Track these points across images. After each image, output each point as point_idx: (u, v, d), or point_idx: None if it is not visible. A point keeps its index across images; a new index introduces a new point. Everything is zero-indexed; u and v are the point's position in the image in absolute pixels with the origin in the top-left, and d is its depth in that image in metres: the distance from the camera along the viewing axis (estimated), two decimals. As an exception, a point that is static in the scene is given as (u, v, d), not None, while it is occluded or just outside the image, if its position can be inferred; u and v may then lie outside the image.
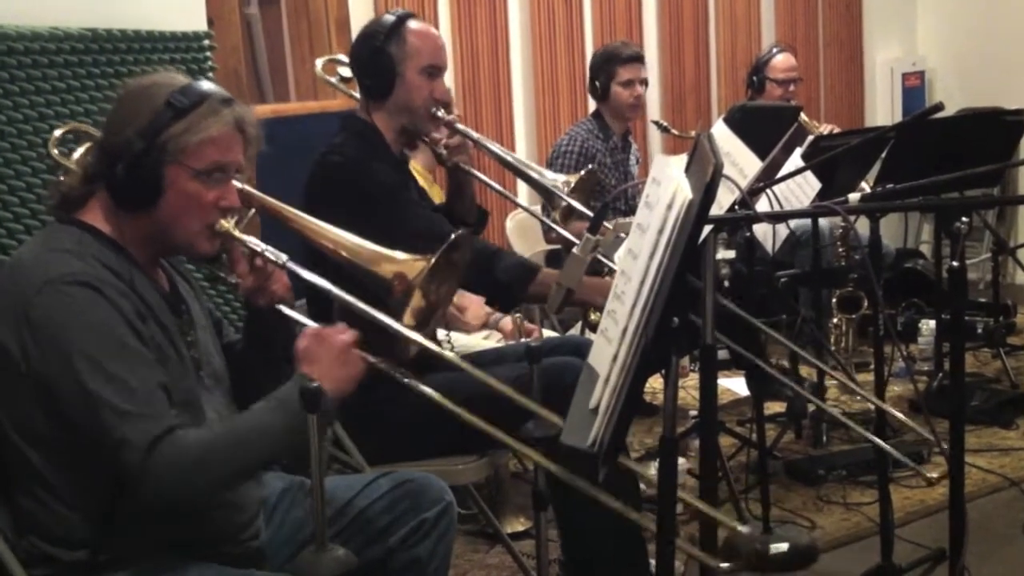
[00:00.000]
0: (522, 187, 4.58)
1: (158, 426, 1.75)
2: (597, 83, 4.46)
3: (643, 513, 2.87)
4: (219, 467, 1.79)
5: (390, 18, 2.79)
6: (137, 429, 1.73)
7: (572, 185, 2.97)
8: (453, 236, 2.11)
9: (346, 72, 3.12)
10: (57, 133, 2.31)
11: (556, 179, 3.00)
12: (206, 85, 1.93)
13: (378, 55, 2.76)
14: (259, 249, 1.96)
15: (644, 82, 4.51)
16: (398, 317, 2.00)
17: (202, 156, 1.86)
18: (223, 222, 1.91)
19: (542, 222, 3.06)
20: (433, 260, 2.05)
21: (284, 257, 1.97)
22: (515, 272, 2.80)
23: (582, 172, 3.06)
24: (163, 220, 1.88)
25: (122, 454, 1.72)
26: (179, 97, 1.85)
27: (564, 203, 2.91)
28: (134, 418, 1.73)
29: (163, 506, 1.76)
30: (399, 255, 2.11)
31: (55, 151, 2.26)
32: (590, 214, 2.86)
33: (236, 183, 1.95)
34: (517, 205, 3.35)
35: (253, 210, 2.08)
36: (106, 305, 1.77)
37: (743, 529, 1.77)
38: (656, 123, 4.68)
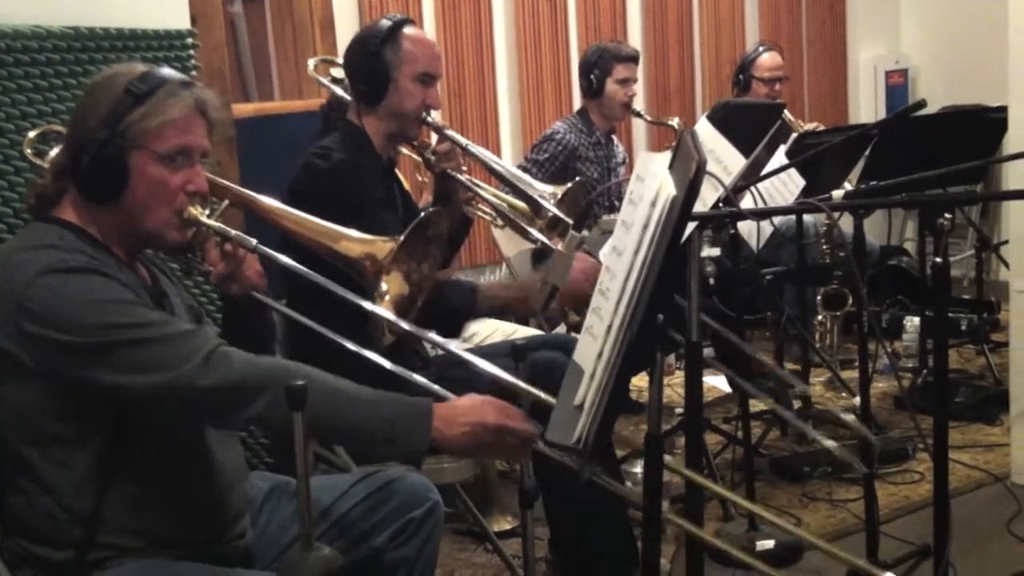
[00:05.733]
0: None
1: (212, 340, 1.79)
2: (592, 77, 4.44)
3: (630, 510, 2.89)
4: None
5: (386, 23, 2.78)
6: (196, 339, 1.77)
7: (559, 196, 2.96)
8: (422, 215, 2.11)
9: (338, 72, 3.11)
10: (31, 134, 2.30)
11: (544, 190, 2.99)
12: (165, 71, 1.92)
13: (372, 60, 2.75)
14: (229, 234, 1.97)
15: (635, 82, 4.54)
16: (371, 298, 2.01)
17: (164, 139, 1.86)
18: (191, 209, 1.91)
19: (526, 233, 3.04)
20: (402, 239, 2.06)
21: (253, 241, 1.98)
22: (460, 295, 2.82)
23: (570, 184, 3.06)
24: (132, 209, 1.88)
25: (182, 371, 1.74)
26: (137, 84, 1.86)
27: (551, 214, 2.90)
28: (188, 336, 1.78)
29: (224, 388, 1.76)
30: (367, 236, 2.12)
31: (28, 151, 2.26)
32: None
33: (204, 171, 1.95)
34: (505, 218, 3.34)
35: (227, 201, 2.08)
36: (105, 279, 1.79)
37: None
38: (632, 110, 4.66)
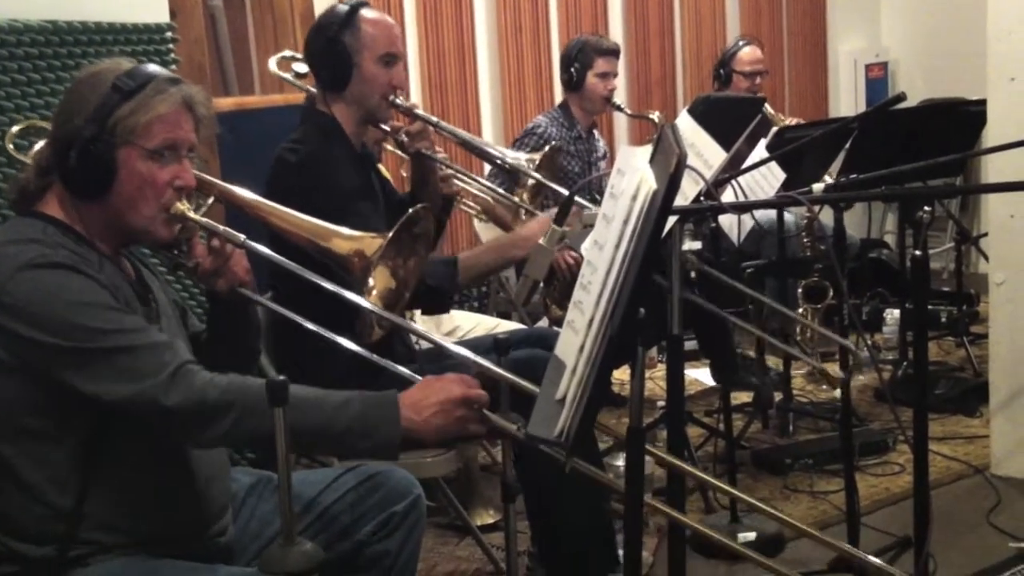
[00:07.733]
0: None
1: (181, 356, 1.79)
2: (572, 70, 4.44)
3: (611, 504, 2.90)
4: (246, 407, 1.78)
5: (343, 8, 2.77)
6: (165, 354, 1.77)
7: (537, 162, 2.98)
8: (409, 212, 2.11)
9: (301, 68, 3.11)
10: (14, 129, 2.29)
11: (519, 156, 3.01)
12: (152, 67, 1.92)
13: (333, 46, 2.73)
14: (217, 230, 1.96)
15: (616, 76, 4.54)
16: (360, 294, 2.01)
17: (152, 135, 1.85)
18: (178, 204, 1.90)
19: (510, 201, 3.05)
20: (390, 236, 2.06)
21: (242, 237, 1.97)
22: (440, 272, 2.79)
23: (545, 148, 3.07)
24: (119, 205, 1.87)
25: (146, 385, 1.74)
26: (125, 80, 1.85)
27: (532, 181, 2.91)
28: (157, 348, 1.78)
29: (187, 408, 1.76)
30: (356, 232, 2.11)
31: (10, 146, 2.25)
32: (560, 189, 2.88)
33: (191, 167, 1.94)
34: (485, 186, 3.36)
35: (212, 198, 2.07)
36: (85, 279, 1.78)
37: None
38: (613, 104, 4.66)
